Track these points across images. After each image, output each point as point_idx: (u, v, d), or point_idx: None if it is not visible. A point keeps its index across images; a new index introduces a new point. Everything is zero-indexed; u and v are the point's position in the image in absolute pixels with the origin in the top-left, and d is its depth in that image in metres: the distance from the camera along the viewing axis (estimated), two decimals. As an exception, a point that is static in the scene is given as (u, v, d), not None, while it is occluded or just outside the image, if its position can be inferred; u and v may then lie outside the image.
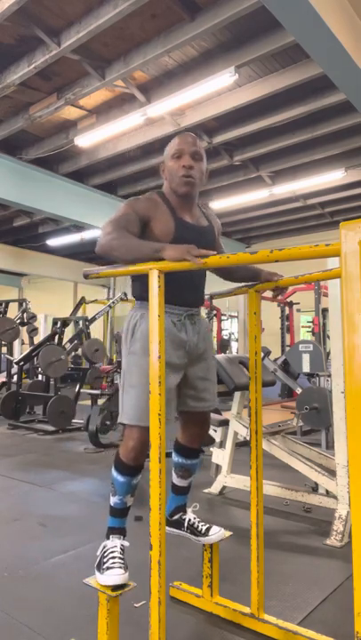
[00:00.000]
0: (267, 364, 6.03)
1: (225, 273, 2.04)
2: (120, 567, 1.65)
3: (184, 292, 1.82)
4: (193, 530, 2.00)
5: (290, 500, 3.33)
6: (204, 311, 10.69)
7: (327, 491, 3.11)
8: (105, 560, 1.69)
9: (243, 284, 1.99)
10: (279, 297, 2.14)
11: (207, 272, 1.91)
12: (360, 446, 1.10)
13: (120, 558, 1.70)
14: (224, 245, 2.13)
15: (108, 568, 1.66)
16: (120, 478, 1.78)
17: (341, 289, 1.15)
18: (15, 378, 7.45)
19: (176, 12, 4.58)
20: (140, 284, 1.85)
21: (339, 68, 4.29)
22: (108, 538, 1.79)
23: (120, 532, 1.80)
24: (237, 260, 1.48)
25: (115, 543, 1.75)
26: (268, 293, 2.13)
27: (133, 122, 6.19)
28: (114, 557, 1.69)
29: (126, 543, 1.78)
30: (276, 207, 9.90)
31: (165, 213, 1.83)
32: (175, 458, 2.04)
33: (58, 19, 4.73)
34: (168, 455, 1.65)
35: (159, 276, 1.55)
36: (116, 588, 1.61)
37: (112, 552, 1.72)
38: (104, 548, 1.75)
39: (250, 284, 1.94)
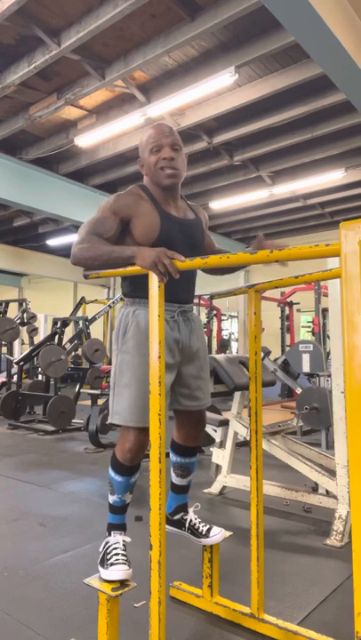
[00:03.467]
0: (267, 364, 6.03)
1: (213, 270, 2.05)
2: (124, 563, 1.69)
3: (176, 289, 1.76)
4: (194, 530, 2.00)
5: (290, 500, 3.33)
6: (204, 311, 10.71)
7: (327, 491, 3.11)
8: (108, 557, 1.72)
9: (241, 283, 1.99)
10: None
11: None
12: (360, 446, 1.11)
13: (123, 554, 1.72)
14: (224, 245, 2.13)
15: (112, 564, 1.68)
16: (118, 478, 1.79)
17: (341, 289, 1.15)
18: (15, 378, 7.45)
19: (176, 12, 4.58)
20: (129, 282, 1.84)
21: (339, 68, 4.29)
22: (109, 534, 1.81)
23: (121, 527, 1.82)
24: (237, 260, 1.49)
25: (117, 539, 1.77)
26: (268, 293, 2.13)
27: (133, 122, 6.19)
28: (117, 553, 1.72)
29: (128, 539, 1.80)
30: (276, 207, 9.91)
31: (149, 208, 1.77)
32: (173, 457, 2.04)
33: (58, 19, 4.74)
34: (167, 455, 1.65)
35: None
36: (116, 588, 1.62)
37: (115, 548, 1.74)
38: (106, 544, 1.78)
39: (250, 284, 1.94)
